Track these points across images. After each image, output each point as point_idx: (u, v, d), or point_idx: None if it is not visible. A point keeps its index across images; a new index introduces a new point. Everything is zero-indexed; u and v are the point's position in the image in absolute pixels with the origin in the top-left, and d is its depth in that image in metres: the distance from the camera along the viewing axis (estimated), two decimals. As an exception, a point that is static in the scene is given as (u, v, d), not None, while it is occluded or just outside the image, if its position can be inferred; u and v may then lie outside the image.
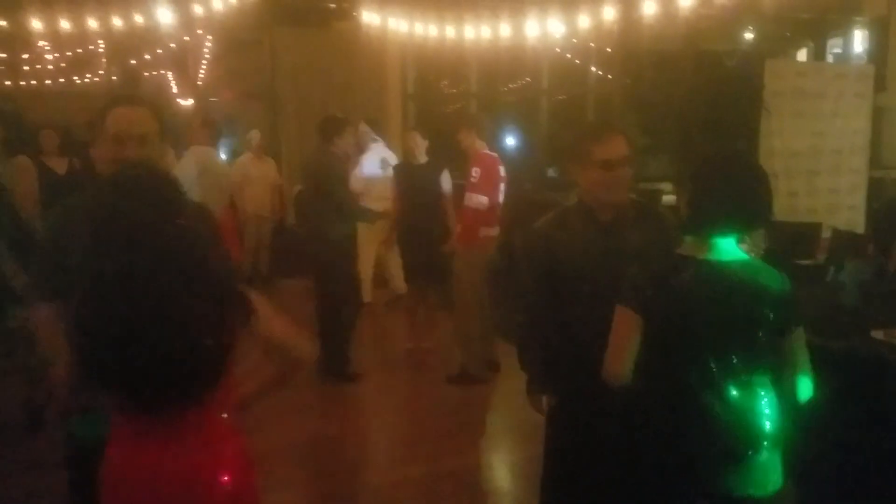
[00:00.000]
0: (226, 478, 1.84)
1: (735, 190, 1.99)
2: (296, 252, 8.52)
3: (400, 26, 7.37)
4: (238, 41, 9.90)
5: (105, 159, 2.23)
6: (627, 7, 5.49)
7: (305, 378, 5.37)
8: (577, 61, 8.66)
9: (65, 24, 6.85)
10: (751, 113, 6.63)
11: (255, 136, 8.23)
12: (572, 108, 9.13)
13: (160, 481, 1.76)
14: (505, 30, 6.41)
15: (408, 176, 5.74)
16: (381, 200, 6.13)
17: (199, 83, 10.97)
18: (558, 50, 8.16)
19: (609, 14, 5.58)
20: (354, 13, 7.76)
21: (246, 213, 7.95)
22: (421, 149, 5.67)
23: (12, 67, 9.35)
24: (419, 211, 5.54)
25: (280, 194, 8.57)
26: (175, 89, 11.67)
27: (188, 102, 10.96)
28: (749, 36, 9.02)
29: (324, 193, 5.18)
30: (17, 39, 7.79)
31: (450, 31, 6.90)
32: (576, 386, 2.45)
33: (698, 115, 6.71)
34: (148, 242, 1.67)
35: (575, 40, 7.26)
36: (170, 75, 11.73)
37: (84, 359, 1.72)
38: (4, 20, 6.70)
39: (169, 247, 1.69)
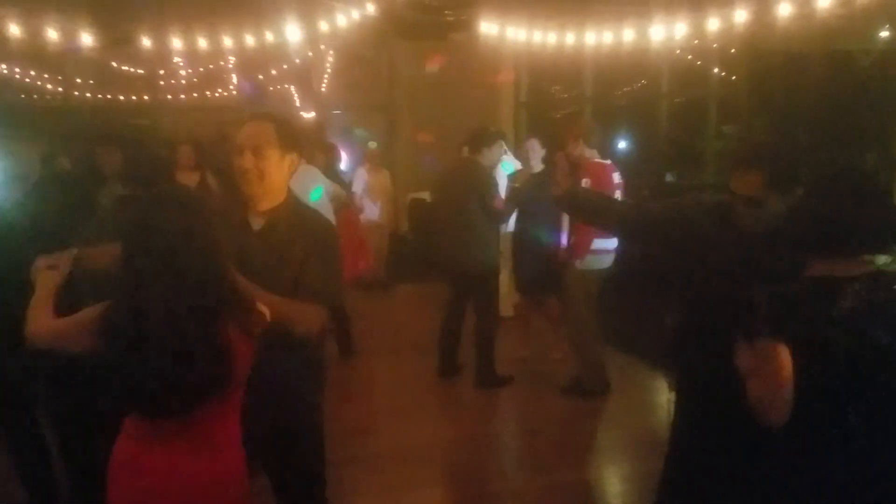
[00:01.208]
0: (233, 463, 1.98)
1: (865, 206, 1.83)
2: (410, 259, 8.74)
3: (517, 34, 7.39)
4: (357, 55, 10.20)
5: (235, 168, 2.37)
6: (761, 7, 5.28)
7: (426, 380, 5.48)
8: (699, 62, 8.39)
9: (201, 42, 7.29)
10: (888, 117, 6.23)
11: (372, 147, 8.47)
12: (693, 111, 8.84)
13: (164, 480, 1.88)
14: (628, 34, 6.30)
15: (523, 185, 5.74)
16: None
17: (320, 97, 11.38)
18: (678, 51, 7.94)
19: (741, 16, 5.38)
20: (473, 24, 7.84)
21: (363, 221, 8.17)
22: (538, 156, 5.68)
23: (150, 83, 9.99)
24: (535, 221, 5.53)
25: (394, 203, 8.78)
26: (298, 103, 12.15)
27: (310, 115, 11.39)
28: (885, 34, 8.46)
29: (476, 203, 5.17)
30: (156, 56, 8.31)
31: (569, 37, 6.86)
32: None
33: (830, 120, 6.36)
34: (152, 257, 1.83)
35: (697, 41, 7.05)
36: (293, 89, 12.22)
37: (117, 362, 1.85)
38: (148, 38, 7.19)
39: (170, 260, 1.83)
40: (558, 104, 11.51)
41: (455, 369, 5.54)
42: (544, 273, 5.43)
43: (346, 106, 11.01)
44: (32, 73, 10.13)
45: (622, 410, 5.12)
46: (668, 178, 9.14)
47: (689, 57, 8.35)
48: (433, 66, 8.94)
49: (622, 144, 11.51)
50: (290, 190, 2.43)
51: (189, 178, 5.57)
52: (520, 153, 6.03)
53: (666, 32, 6.07)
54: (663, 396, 5.28)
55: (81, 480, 3.08)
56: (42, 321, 2.01)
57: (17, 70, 9.76)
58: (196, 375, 1.82)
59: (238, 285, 1.96)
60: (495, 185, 5.37)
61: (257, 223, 2.33)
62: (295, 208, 2.41)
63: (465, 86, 9.37)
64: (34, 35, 6.17)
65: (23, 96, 10.45)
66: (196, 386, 1.83)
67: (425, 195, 9.23)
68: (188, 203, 1.96)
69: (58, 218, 2.95)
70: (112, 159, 4.15)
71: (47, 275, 2.16)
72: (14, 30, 6.02)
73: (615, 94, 10.25)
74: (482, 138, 5.34)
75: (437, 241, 5.63)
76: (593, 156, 5.08)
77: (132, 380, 1.84)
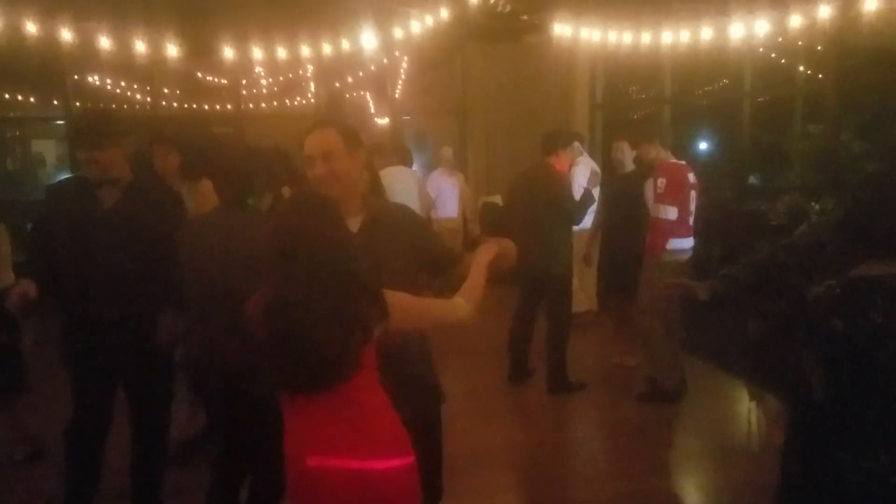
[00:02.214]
0: (386, 422, 2.09)
1: None
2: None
3: (592, 35, 7.30)
4: (431, 60, 10.27)
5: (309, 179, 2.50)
6: (847, 2, 5.05)
7: (497, 385, 5.46)
8: (783, 61, 8.10)
9: (281, 52, 7.49)
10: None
11: (446, 152, 8.52)
12: (778, 110, 8.54)
13: (333, 431, 2.03)
14: (707, 32, 6.14)
15: (612, 186, 5.69)
16: (590, 214, 6.09)
17: (394, 103, 11.52)
18: (762, 49, 7.68)
19: (825, 12, 5.16)
20: (546, 25, 7.79)
21: (439, 226, 8.23)
22: (628, 158, 5.62)
23: (233, 93, 10.32)
24: (623, 222, 5.45)
25: (467, 206, 8.80)
26: (373, 109, 12.33)
27: (384, 121, 11.54)
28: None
29: (550, 206, 5.15)
30: (239, 67, 8.59)
31: (645, 37, 6.73)
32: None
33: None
34: (306, 251, 1.99)
35: (781, 39, 6.80)
36: (368, 96, 12.41)
37: (264, 347, 2.04)
38: (230, 49, 7.45)
39: (321, 254, 2.00)
40: (636, 105, 11.31)
41: (526, 374, 5.51)
42: (627, 273, 5.36)
43: (420, 111, 11.10)
44: (122, 83, 10.64)
45: (699, 418, 4.98)
46: (752, 180, 8.86)
47: (773, 55, 8.07)
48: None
49: (703, 145, 11.22)
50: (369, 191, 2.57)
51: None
52: (611, 154, 5.94)
53: (747, 30, 5.89)
54: (743, 405, 5.11)
55: None
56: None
57: (109, 81, 10.25)
58: (342, 356, 1.98)
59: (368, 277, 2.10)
60: (569, 187, 5.33)
61: (354, 225, 2.38)
62: (381, 204, 2.60)
63: (538, 88, 9.32)
64: (124, 47, 6.46)
65: (113, 105, 10.98)
66: (341, 365, 1.99)
67: (497, 199, 9.22)
68: (324, 203, 2.11)
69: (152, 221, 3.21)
70: (170, 159, 4.48)
71: None
72: (105, 42, 6.32)
73: (695, 93, 10.01)
74: (556, 140, 5.30)
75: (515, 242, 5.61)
76: (668, 157, 5.02)
77: (285, 360, 2.02)
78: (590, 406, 5.22)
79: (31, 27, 5.67)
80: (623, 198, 5.50)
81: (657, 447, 4.51)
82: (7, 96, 10.05)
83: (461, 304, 2.28)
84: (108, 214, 3.15)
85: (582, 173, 6.41)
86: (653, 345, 5.10)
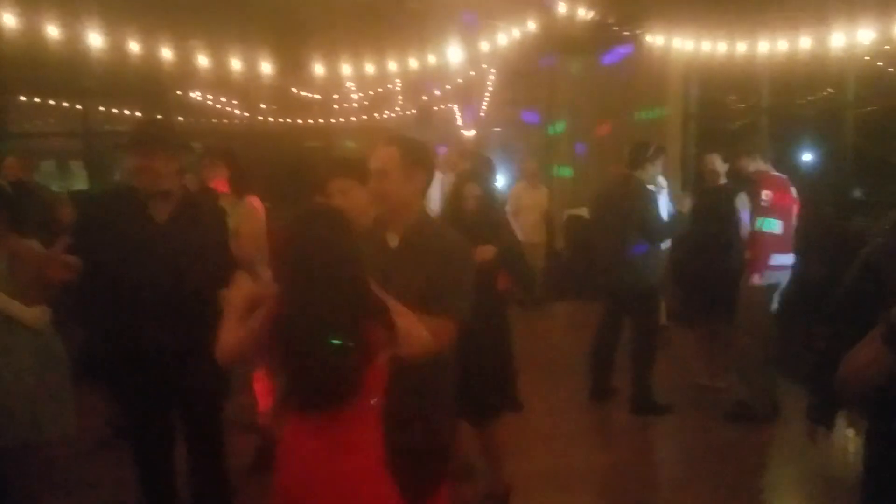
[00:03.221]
0: (370, 462, 2.09)
1: None
2: (566, 276, 8.61)
3: (685, 45, 7.10)
4: (519, 73, 10.25)
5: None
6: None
7: (578, 403, 5.35)
8: (891, 69, 7.63)
9: (370, 67, 7.64)
10: None
11: (529, 165, 8.44)
12: (885, 121, 8.05)
13: (308, 469, 2.04)
14: (805, 42, 5.87)
15: (703, 199, 5.51)
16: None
17: (481, 115, 11.54)
18: (867, 57, 7.26)
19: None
20: (637, 36, 7.64)
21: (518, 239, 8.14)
22: (720, 171, 5.44)
23: (324, 107, 10.60)
24: (714, 237, 5.26)
25: (551, 220, 8.69)
26: (459, 121, 12.40)
27: (471, 133, 11.57)
28: None
29: (633, 221, 5.02)
30: (330, 82, 8.81)
31: (741, 47, 6.49)
32: None
33: None
34: (312, 262, 2.00)
35: (887, 46, 6.42)
36: (455, 108, 12.49)
37: (280, 358, 2.04)
38: (323, 65, 7.65)
39: (326, 267, 2.00)
40: (732, 115, 10.92)
41: (608, 393, 5.37)
42: (719, 291, 5.17)
43: (507, 123, 11.08)
44: (223, 98, 11.10)
45: (792, 444, 4.72)
46: (856, 193, 8.38)
47: (880, 63, 7.62)
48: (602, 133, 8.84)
49: (803, 157, 10.71)
50: (423, 209, 2.55)
51: None
52: (702, 167, 5.74)
53: (848, 39, 5.59)
54: (840, 432, 4.81)
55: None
56: (230, 336, 2.18)
57: (210, 97, 10.72)
58: (337, 377, 1.97)
59: (377, 297, 2.09)
60: (655, 204, 5.17)
61: (394, 241, 2.43)
62: (427, 226, 2.49)
63: (628, 99, 9.13)
64: (221, 64, 6.73)
65: (214, 121, 11.48)
66: (336, 387, 1.99)
67: (583, 211, 9.08)
68: (337, 219, 2.12)
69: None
70: (216, 173, 4.39)
71: (238, 289, 2.34)
72: (203, 59, 6.61)
73: (795, 103, 9.57)
74: (644, 153, 5.16)
75: (595, 259, 5.51)
76: (769, 169, 4.82)
77: (290, 376, 2.05)
78: (675, 428, 5.04)
79: (133, 46, 5.97)
80: (714, 212, 5.30)
81: (745, 473, 4.30)
82: (114, 111, 10.64)
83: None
84: (162, 229, 2.97)
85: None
86: (748, 365, 4.88)
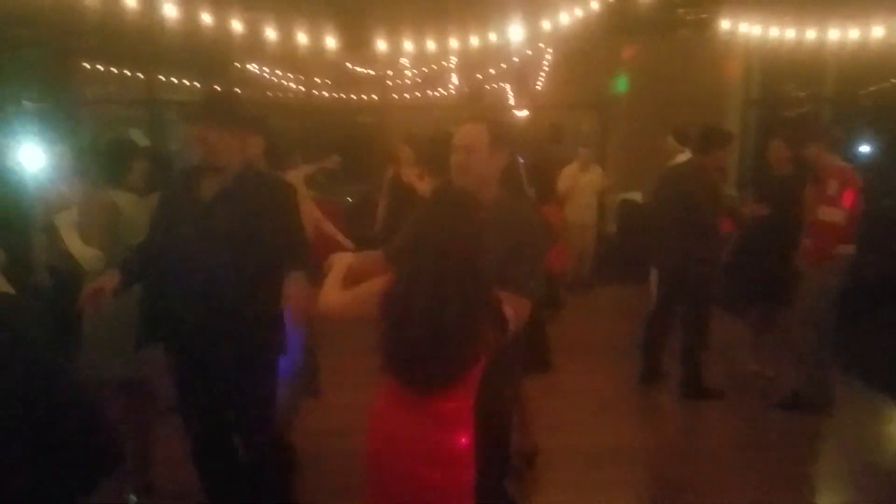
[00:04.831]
0: (464, 440, 2.14)
1: None
2: (617, 260, 8.57)
3: (751, 30, 6.97)
4: (578, 52, 10.14)
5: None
6: None
7: (627, 385, 5.37)
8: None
9: (427, 44, 7.65)
10: None
11: (583, 151, 8.39)
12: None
13: (402, 442, 2.10)
14: (878, 31, 5.72)
15: (767, 188, 5.44)
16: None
17: (535, 94, 11.47)
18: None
19: None
20: (704, 20, 7.50)
21: (568, 221, 8.13)
22: (785, 159, 5.36)
23: (379, 83, 10.66)
24: (778, 226, 5.20)
25: (603, 203, 8.64)
26: (513, 101, 12.35)
27: (523, 113, 11.53)
28: None
29: (694, 207, 4.94)
30: (385, 58, 8.85)
31: (810, 34, 6.35)
32: None
33: None
34: (441, 248, 2.03)
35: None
36: (508, 88, 12.44)
37: (385, 333, 2.08)
38: (380, 41, 7.69)
39: (453, 251, 2.03)
40: (793, 103, 10.69)
41: (658, 376, 5.38)
42: (778, 279, 5.12)
43: (561, 103, 10.99)
44: (279, 72, 11.23)
45: (844, 436, 4.69)
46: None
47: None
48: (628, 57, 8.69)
49: (865, 148, 10.44)
50: (501, 187, 2.62)
51: (408, 175, 5.78)
52: (768, 155, 5.64)
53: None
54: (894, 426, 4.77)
55: None
56: (335, 296, 2.30)
57: (267, 70, 10.86)
58: (451, 360, 2.03)
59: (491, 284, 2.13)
60: (718, 195, 5.08)
61: None
62: (504, 203, 2.57)
63: (688, 82, 8.99)
64: (283, 38, 6.83)
65: (269, 94, 11.63)
66: (447, 369, 2.04)
67: (636, 195, 9.00)
68: (467, 203, 2.16)
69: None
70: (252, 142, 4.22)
71: (342, 258, 2.47)
72: (266, 32, 6.71)
73: (859, 93, 9.32)
74: (712, 138, 5.07)
75: (651, 243, 5.48)
76: (835, 158, 4.73)
77: (395, 349, 2.08)
78: (724, 413, 5.02)
79: (195, 16, 6.09)
80: (779, 201, 5.21)
81: (794, 462, 4.28)
82: (175, 80, 10.85)
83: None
84: (205, 208, 2.79)
85: None
86: (805, 354, 4.84)
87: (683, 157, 5.86)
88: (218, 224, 2.73)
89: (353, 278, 2.42)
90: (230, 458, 3.01)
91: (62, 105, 9.09)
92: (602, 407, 5.03)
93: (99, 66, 10.45)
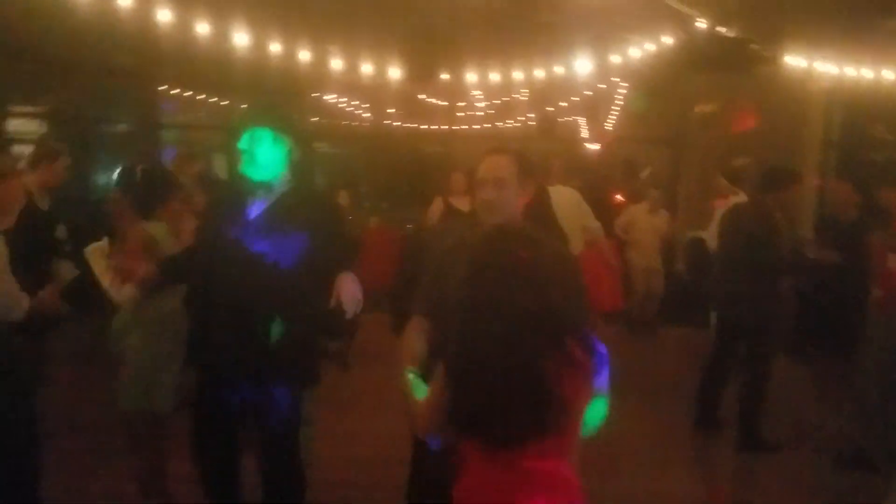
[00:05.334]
0: None
1: None
2: (685, 301, 8.31)
3: (828, 69, 6.74)
4: (650, 87, 10.02)
5: (475, 200, 2.51)
6: None
7: (681, 431, 5.16)
8: None
9: (495, 76, 7.72)
10: None
11: (653, 193, 8.20)
12: None
13: (507, 496, 1.82)
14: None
15: (830, 232, 5.21)
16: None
17: (608, 128, 11.36)
18: None
19: None
20: (779, 57, 7.30)
21: (632, 264, 7.97)
22: (851, 203, 5.13)
23: (449, 113, 10.76)
24: (845, 272, 4.95)
25: (671, 246, 8.42)
26: (584, 134, 12.26)
27: (595, 147, 11.43)
28: None
29: (758, 249, 4.74)
30: (457, 89, 8.96)
31: (887, 74, 6.09)
32: None
33: None
34: (507, 286, 1.80)
35: None
36: (581, 121, 12.37)
37: (456, 380, 1.85)
38: (452, 74, 7.81)
39: (522, 291, 1.80)
40: (879, 146, 10.23)
41: (714, 423, 5.16)
42: (844, 327, 4.87)
43: (633, 139, 10.85)
44: (355, 102, 11.50)
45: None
46: None
47: None
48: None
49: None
50: (530, 221, 2.48)
51: (461, 203, 5.68)
52: (831, 197, 5.41)
53: None
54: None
55: None
56: (421, 416, 2.05)
57: (342, 99, 11.14)
58: (525, 408, 1.80)
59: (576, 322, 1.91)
60: (784, 238, 4.88)
61: None
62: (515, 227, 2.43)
63: (764, 121, 8.75)
64: (352, 68, 7.01)
65: (344, 123, 11.94)
66: (524, 419, 1.81)
67: (705, 234, 8.74)
68: (535, 239, 1.93)
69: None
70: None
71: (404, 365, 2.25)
72: (336, 63, 6.90)
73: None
74: (777, 178, 4.90)
75: (714, 284, 5.30)
76: None
77: (470, 407, 1.85)
78: (780, 467, 4.75)
79: (275, 46, 6.32)
80: (843, 246, 4.97)
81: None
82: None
83: None
84: (249, 226, 2.75)
85: None
86: (868, 408, 4.56)
87: (736, 197, 5.69)
88: (259, 242, 2.68)
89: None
90: (237, 482, 2.97)
91: (145, 129, 9.54)
92: (652, 452, 4.86)
93: (188, 93, 10.93)
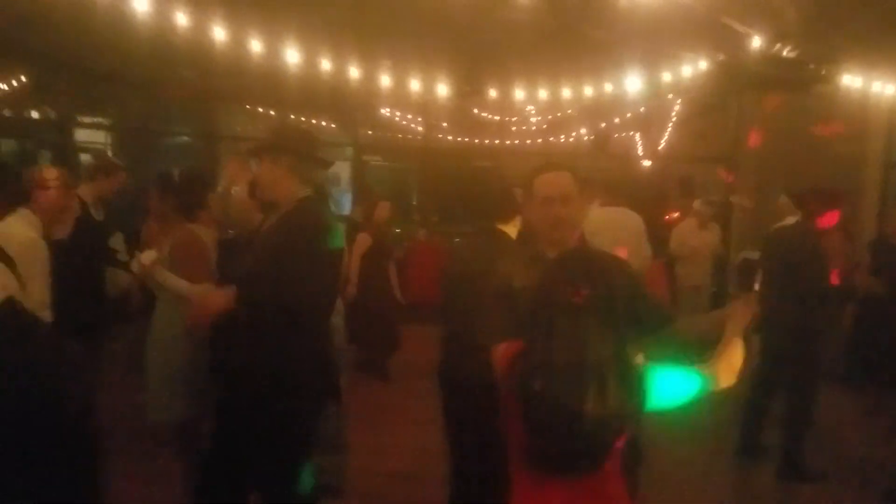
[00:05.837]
0: None
1: None
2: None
3: (886, 89, 6.55)
4: (704, 104, 9.87)
5: (536, 218, 2.42)
6: None
7: (722, 459, 5.05)
8: None
9: (551, 92, 7.73)
10: None
11: (704, 208, 8.04)
12: None
13: None
14: None
15: (883, 257, 5.05)
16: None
17: (662, 145, 11.23)
18: None
19: None
20: (835, 76, 7.13)
21: (680, 282, 7.80)
22: None
23: (501, 129, 10.78)
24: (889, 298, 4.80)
25: (723, 264, 8.23)
26: (640, 150, 12.14)
27: (648, 164, 11.30)
28: None
29: (800, 272, 4.66)
30: (511, 104, 8.97)
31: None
32: None
33: None
34: (583, 316, 1.77)
35: None
36: (637, 137, 12.25)
37: (528, 408, 1.83)
38: (506, 89, 7.85)
39: (598, 322, 1.78)
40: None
41: (757, 451, 5.04)
42: (892, 355, 4.73)
43: (688, 157, 10.69)
44: (409, 115, 11.63)
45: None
46: None
47: None
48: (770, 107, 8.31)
49: None
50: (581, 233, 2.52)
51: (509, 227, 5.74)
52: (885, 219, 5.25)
53: None
54: None
55: None
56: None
57: (391, 112, 11.26)
58: (602, 442, 1.82)
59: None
60: (825, 262, 4.75)
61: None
62: (588, 252, 2.35)
63: (823, 142, 8.51)
64: (403, 83, 7.12)
65: (399, 136, 12.07)
66: (599, 451, 1.83)
67: (757, 255, 8.55)
68: (615, 265, 1.95)
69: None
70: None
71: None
72: (391, 78, 7.03)
73: None
74: (820, 200, 4.80)
75: (758, 307, 5.17)
76: None
77: (550, 451, 1.84)
78: (826, 498, 4.62)
79: (328, 61, 6.47)
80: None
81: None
82: (302, 119, 11.44)
83: None
84: (258, 241, 2.82)
85: None
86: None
87: (792, 218, 5.56)
88: (260, 259, 2.72)
89: None
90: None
91: (201, 140, 9.84)
92: (693, 482, 4.77)
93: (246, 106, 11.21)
